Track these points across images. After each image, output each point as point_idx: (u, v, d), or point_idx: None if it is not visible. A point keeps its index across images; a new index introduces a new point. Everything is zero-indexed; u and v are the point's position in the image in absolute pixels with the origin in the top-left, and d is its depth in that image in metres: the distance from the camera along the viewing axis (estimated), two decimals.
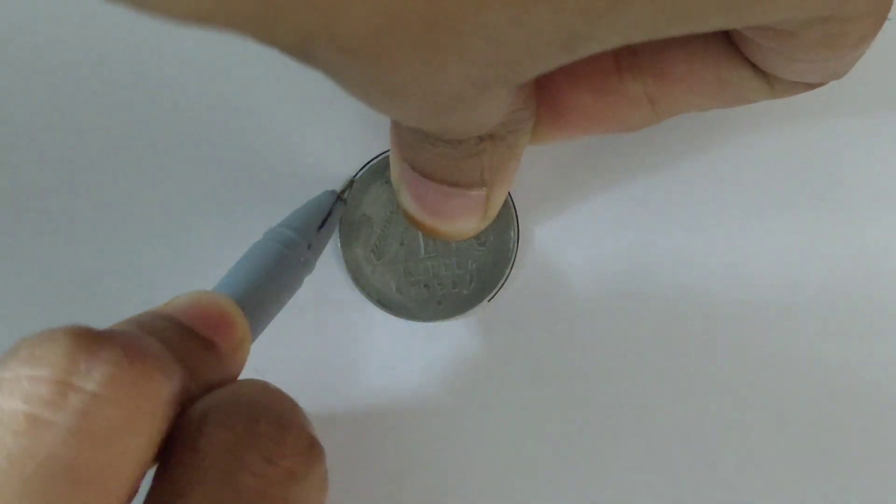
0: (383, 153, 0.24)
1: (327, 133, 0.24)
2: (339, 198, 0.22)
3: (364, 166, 0.24)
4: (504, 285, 0.24)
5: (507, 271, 0.24)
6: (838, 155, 0.24)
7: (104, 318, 0.23)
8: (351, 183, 0.23)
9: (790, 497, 0.24)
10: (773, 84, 0.18)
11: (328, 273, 0.24)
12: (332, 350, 0.24)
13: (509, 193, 0.24)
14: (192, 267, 0.24)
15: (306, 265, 0.21)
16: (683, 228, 0.24)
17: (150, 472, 0.16)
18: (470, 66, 0.13)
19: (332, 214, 0.22)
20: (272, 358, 0.23)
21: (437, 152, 0.18)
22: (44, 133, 0.24)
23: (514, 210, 0.24)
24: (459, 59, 0.12)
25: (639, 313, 0.24)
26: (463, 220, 0.20)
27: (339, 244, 0.24)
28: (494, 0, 0.11)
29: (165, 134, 0.24)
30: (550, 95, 0.19)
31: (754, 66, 0.18)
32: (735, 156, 0.24)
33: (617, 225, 0.24)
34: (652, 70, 0.18)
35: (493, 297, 0.24)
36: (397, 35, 0.11)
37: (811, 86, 0.18)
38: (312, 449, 0.16)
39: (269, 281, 0.20)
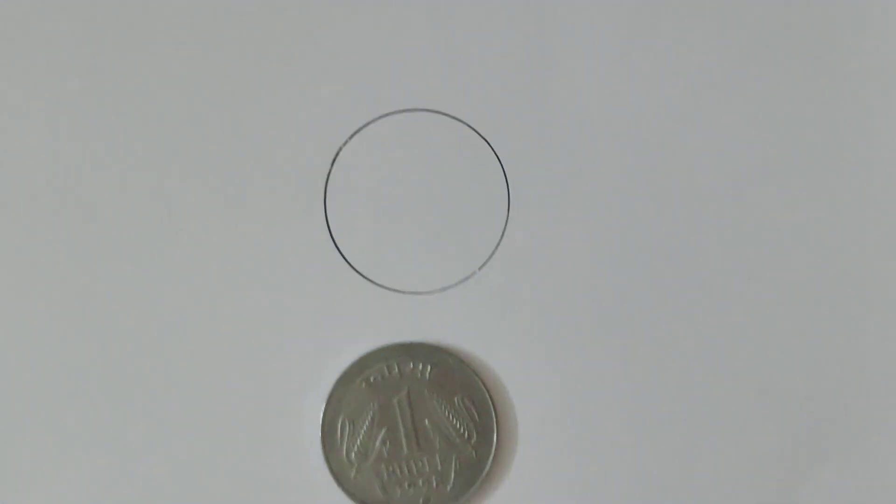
0: (370, 121, 0.24)
1: (312, 103, 0.24)
2: None
3: (352, 135, 0.24)
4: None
5: (489, 465, 0.24)
6: None
7: (103, 318, 0.23)
8: None
9: None
10: None
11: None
12: None
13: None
14: (187, 259, 0.24)
15: None
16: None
17: None
18: None
19: None
20: None
21: None
22: None
23: (494, 415, 0.24)
24: None
25: (635, 315, 0.24)
26: None
27: (322, 448, 0.23)
28: None
29: (154, 121, 0.24)
30: None
31: None
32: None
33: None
34: None
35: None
36: None
37: None
38: None
39: None
